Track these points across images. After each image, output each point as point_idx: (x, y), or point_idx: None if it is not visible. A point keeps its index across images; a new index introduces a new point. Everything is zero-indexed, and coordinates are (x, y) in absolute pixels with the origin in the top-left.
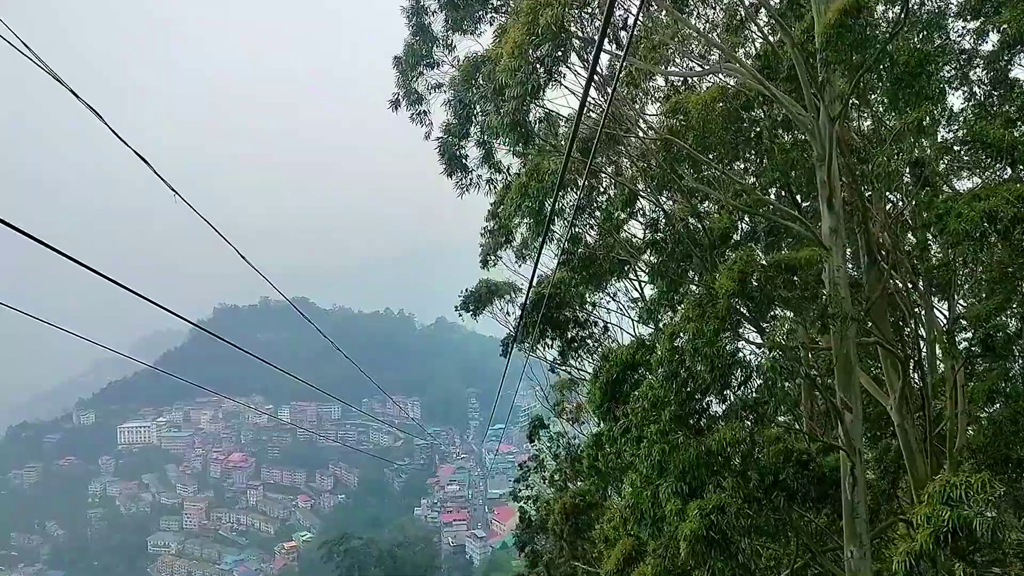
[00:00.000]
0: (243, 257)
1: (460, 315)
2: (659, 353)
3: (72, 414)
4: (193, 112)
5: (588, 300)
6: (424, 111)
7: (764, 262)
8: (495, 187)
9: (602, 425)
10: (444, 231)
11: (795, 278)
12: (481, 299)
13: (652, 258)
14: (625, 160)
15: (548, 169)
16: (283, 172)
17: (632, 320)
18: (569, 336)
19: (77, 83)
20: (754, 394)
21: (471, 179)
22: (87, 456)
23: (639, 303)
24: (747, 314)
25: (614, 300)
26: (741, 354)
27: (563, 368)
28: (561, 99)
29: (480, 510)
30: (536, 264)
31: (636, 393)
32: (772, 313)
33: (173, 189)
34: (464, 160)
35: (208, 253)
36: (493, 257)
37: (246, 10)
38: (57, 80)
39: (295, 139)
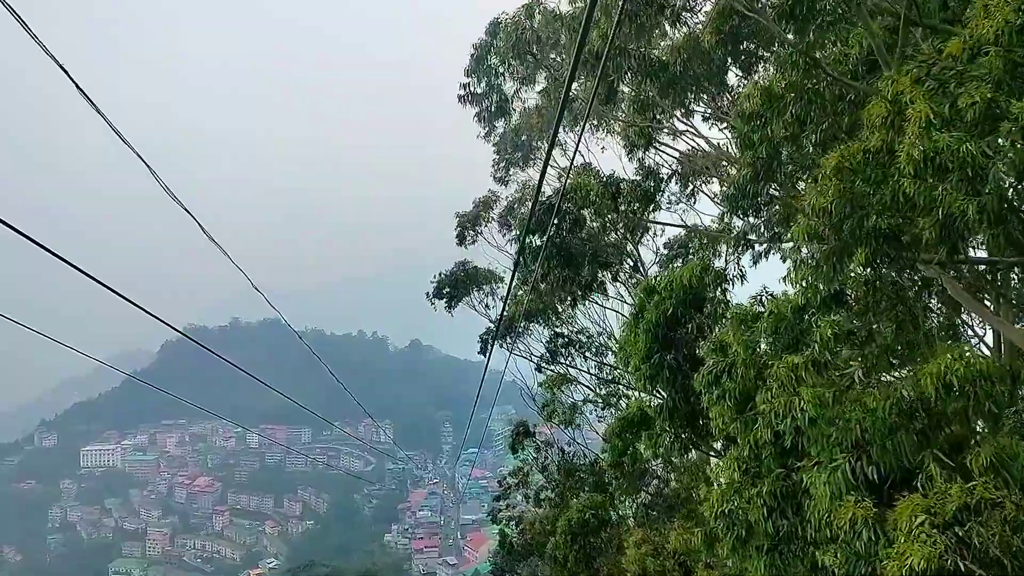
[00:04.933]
0: (251, 281)
1: (432, 303)
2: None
3: (33, 435)
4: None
5: (612, 221)
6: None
7: None
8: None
9: (637, 397)
10: (418, 253)
11: None
12: (457, 285)
13: None
14: None
15: None
16: (259, 191)
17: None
18: (585, 279)
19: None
20: None
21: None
22: (48, 479)
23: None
24: None
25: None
26: None
27: (550, 368)
28: None
29: (452, 536)
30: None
31: (719, 331)
32: None
33: (180, 202)
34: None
35: (177, 273)
36: (471, 233)
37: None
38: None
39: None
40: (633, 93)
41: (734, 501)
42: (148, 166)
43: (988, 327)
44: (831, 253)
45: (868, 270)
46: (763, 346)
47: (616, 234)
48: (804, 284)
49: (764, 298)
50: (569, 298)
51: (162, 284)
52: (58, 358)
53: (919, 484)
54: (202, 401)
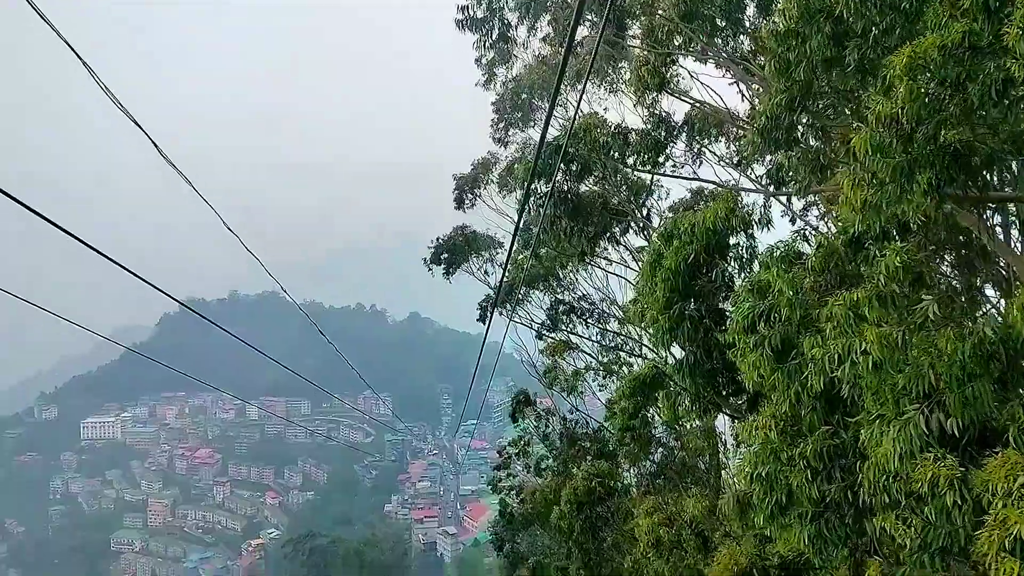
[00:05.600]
0: (248, 248)
1: (430, 269)
2: None
3: (33, 409)
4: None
5: (626, 163)
6: None
7: None
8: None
9: (648, 359)
10: (416, 225)
11: None
12: (456, 250)
13: None
14: None
15: None
16: (259, 162)
17: None
18: (593, 230)
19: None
20: None
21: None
22: (49, 452)
23: None
24: None
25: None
26: None
27: (551, 336)
28: None
29: (452, 507)
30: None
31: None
32: None
33: (188, 180)
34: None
35: (175, 246)
36: (470, 196)
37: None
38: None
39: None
40: (647, 23)
41: (770, 464)
42: (147, 134)
43: None
44: (898, 169)
45: (929, 199)
46: (808, 287)
47: (620, 195)
48: (862, 207)
49: (808, 233)
50: (576, 251)
51: (159, 257)
52: (56, 335)
53: (1011, 438)
54: (201, 375)
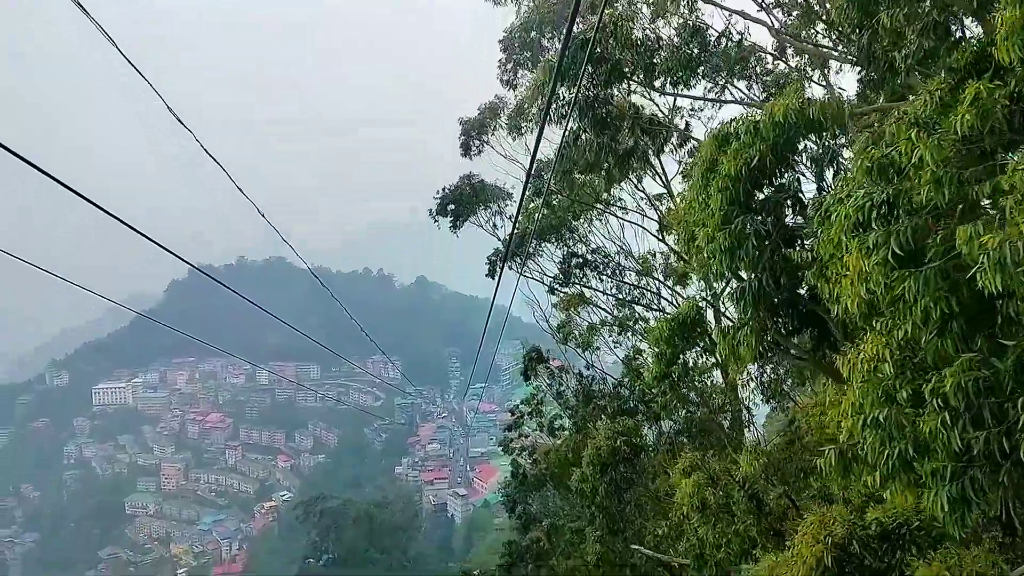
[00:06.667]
0: (259, 210)
1: (435, 221)
2: None
3: (44, 375)
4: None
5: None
6: None
7: None
8: None
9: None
10: (424, 192)
11: None
12: (463, 201)
13: None
14: None
15: None
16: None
17: None
18: (624, 147)
19: None
20: None
21: None
22: (61, 418)
23: None
24: None
25: None
26: None
27: (563, 290)
28: None
29: (461, 468)
30: None
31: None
32: None
33: (204, 148)
34: None
35: (180, 212)
36: (477, 142)
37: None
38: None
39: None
40: None
41: (885, 406)
42: (154, 89)
43: None
44: None
45: None
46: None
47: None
48: None
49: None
50: (603, 172)
51: (166, 223)
52: (64, 303)
53: None
54: (210, 340)
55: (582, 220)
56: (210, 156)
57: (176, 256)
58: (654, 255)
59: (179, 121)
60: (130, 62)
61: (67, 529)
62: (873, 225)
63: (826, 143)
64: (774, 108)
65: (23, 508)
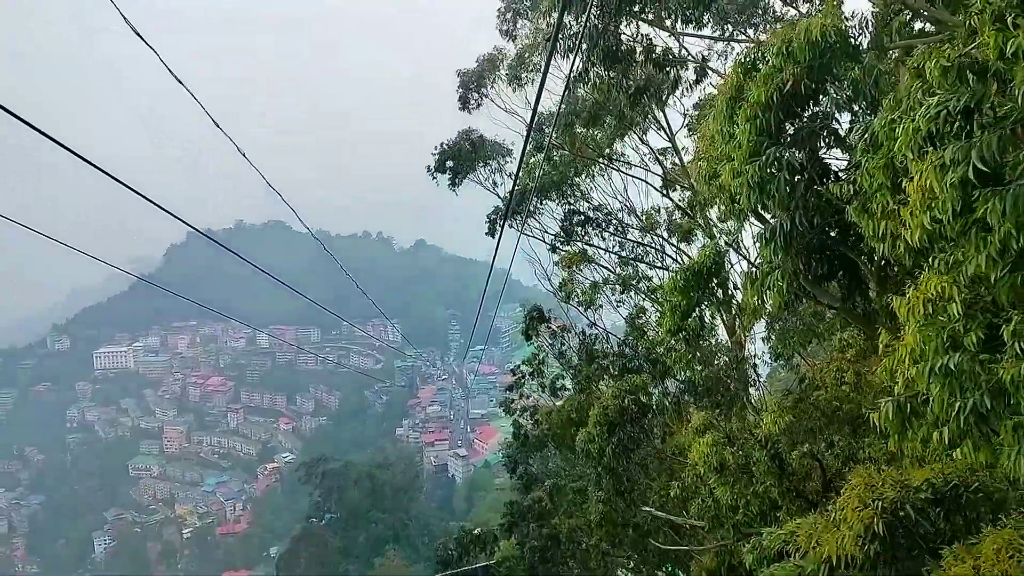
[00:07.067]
0: (261, 174)
1: (434, 178)
2: None
3: (46, 340)
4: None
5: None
6: None
7: None
8: None
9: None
10: (423, 153)
11: None
12: (462, 157)
13: None
14: None
15: None
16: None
17: None
18: (636, 83)
19: None
20: None
21: None
22: (63, 382)
23: None
24: None
25: None
26: None
27: (564, 248)
28: None
29: (462, 430)
30: None
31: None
32: None
33: (207, 111)
34: None
35: (179, 176)
36: (475, 96)
37: None
38: None
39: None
40: None
41: (951, 354)
42: (153, 49)
43: None
44: None
45: None
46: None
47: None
48: None
49: None
50: (605, 124)
51: (162, 188)
52: (64, 269)
53: None
54: (210, 304)
55: (584, 176)
56: (210, 118)
57: (177, 218)
58: (658, 210)
59: (176, 79)
60: (163, 62)
61: (72, 491)
62: (946, 140)
63: (870, 63)
64: (810, 26)
65: (28, 471)
